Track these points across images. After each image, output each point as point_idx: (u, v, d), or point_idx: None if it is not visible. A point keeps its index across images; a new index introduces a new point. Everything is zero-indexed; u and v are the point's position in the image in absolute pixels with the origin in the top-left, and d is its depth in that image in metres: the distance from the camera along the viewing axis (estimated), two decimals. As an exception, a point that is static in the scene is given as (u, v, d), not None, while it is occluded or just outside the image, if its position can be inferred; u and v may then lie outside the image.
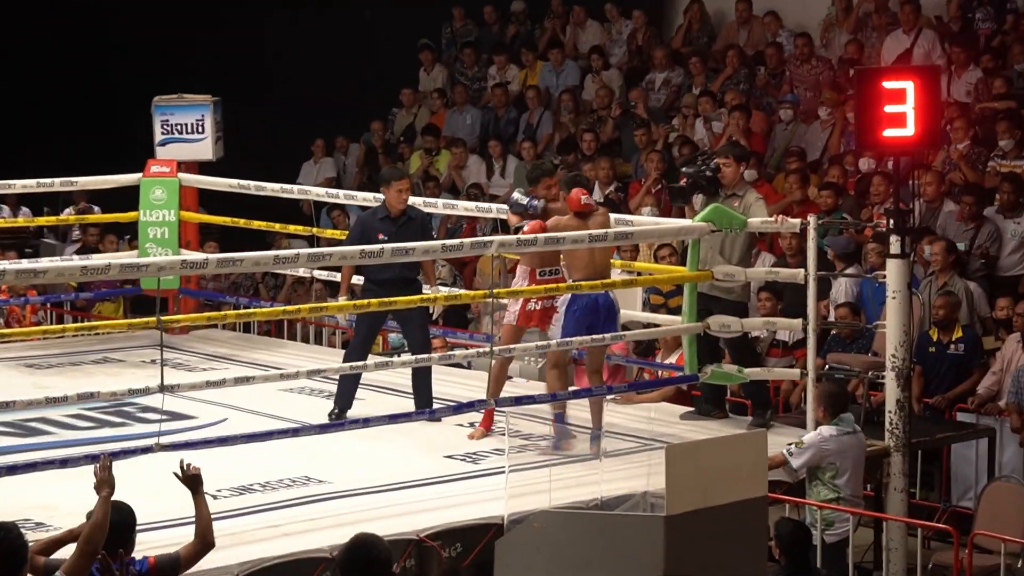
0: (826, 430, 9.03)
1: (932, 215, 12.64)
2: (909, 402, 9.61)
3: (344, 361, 10.08)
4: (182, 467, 6.64)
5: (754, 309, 11.39)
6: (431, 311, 10.51)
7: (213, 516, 6.68)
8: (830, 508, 8.91)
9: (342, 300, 10.00)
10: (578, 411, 9.95)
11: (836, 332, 11.62)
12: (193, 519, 6.65)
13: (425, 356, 9.80)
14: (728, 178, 10.14)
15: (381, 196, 10.43)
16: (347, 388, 10.16)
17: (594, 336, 9.49)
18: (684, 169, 10.43)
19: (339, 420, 9.84)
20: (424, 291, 10.20)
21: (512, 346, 9.57)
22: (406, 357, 10.20)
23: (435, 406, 9.89)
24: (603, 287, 9.49)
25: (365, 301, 9.25)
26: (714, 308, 10.08)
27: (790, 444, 9.04)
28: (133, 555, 6.34)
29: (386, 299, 9.31)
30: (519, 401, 9.47)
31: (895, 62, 14.01)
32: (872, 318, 11.54)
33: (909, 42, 14.42)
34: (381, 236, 9.93)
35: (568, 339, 9.48)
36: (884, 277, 9.62)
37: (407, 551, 7.79)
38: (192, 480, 6.62)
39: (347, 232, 13.58)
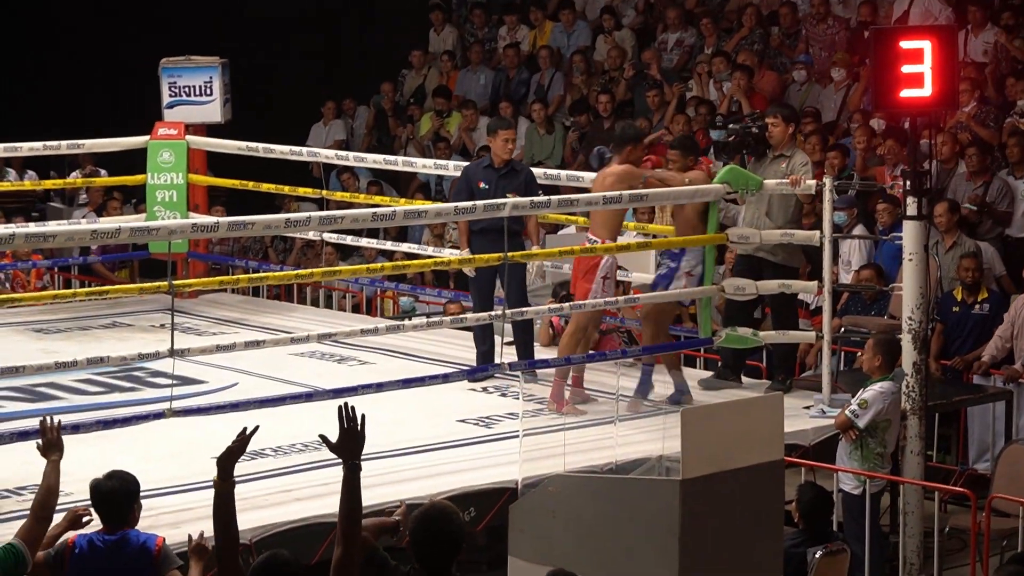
0: (886, 385, 8.92)
1: (947, 176, 12.51)
2: (925, 364, 9.50)
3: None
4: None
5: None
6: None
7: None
8: (848, 471, 8.83)
9: (463, 253, 10.05)
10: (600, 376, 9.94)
11: (856, 294, 11.51)
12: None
13: (520, 310, 9.61)
14: (776, 138, 10.15)
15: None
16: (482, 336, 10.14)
17: (625, 298, 9.66)
18: (730, 126, 10.45)
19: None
20: (526, 247, 10.05)
21: (541, 308, 9.42)
22: (417, 320, 10.11)
23: (448, 370, 9.80)
24: (617, 250, 9.40)
25: (379, 265, 9.17)
26: (765, 271, 10.03)
27: (851, 406, 8.93)
28: (137, 528, 6.16)
29: (399, 263, 9.23)
30: (532, 364, 9.40)
31: (895, 23, 13.85)
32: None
33: (907, 4, 14.24)
34: (482, 184, 10.11)
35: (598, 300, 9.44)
36: (900, 239, 9.53)
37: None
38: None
39: (356, 195, 13.58)
